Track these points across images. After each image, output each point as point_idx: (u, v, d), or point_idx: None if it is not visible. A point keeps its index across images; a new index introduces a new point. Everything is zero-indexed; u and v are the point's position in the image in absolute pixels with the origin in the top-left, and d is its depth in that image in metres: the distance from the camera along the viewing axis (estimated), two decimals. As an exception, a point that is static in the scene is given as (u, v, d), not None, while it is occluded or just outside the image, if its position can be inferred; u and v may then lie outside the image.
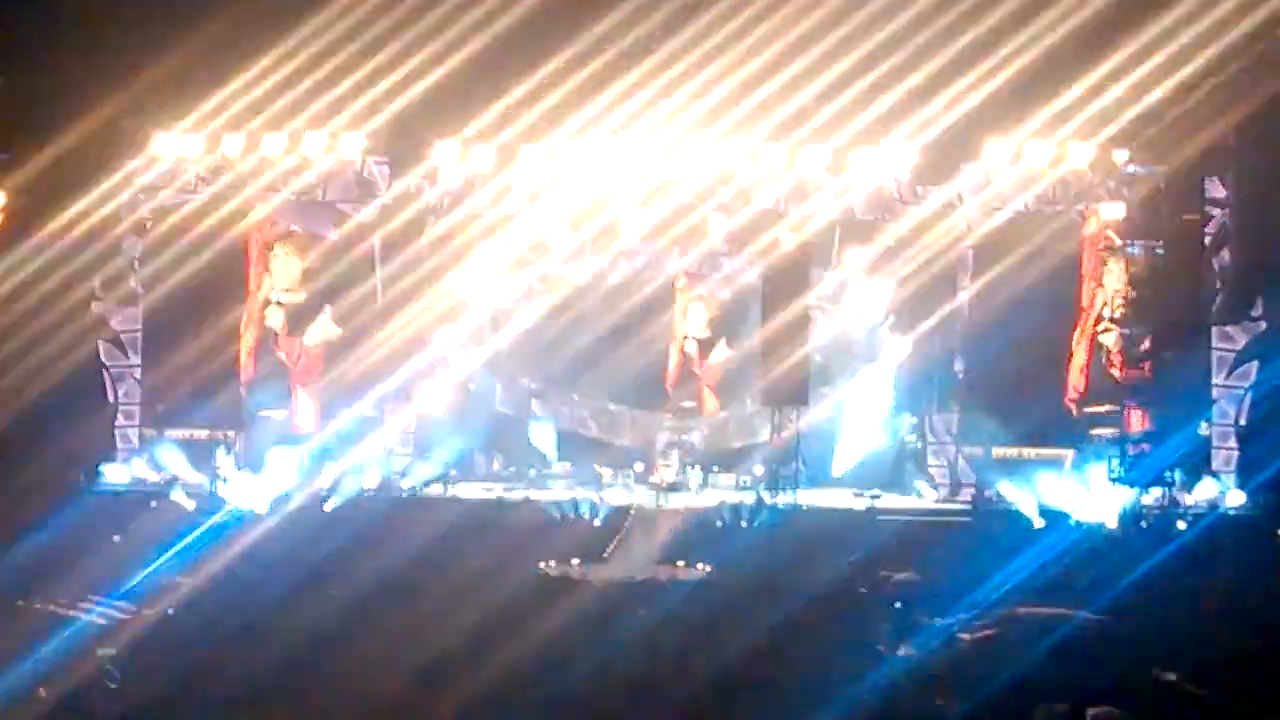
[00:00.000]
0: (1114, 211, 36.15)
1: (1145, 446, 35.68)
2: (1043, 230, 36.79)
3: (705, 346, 41.21)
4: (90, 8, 36.24)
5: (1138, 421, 36.22)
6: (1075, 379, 37.62)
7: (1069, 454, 37.17)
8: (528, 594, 30.25)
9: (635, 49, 35.08)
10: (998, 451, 38.36)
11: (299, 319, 39.50)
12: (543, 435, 41.88)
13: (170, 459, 38.26)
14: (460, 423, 40.92)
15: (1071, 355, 37.62)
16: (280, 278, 39.32)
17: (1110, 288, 37.23)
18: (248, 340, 38.76)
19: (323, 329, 39.35)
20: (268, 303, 39.38)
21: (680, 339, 41.15)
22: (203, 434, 38.08)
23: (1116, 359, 37.10)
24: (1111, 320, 37.05)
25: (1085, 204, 36.44)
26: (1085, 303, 37.57)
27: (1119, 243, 36.65)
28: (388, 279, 38.39)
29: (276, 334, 39.48)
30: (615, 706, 24.11)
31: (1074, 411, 37.49)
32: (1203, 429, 36.46)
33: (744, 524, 36.26)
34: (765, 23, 35.46)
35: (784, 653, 25.69)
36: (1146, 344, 35.84)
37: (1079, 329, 37.64)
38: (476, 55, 35.27)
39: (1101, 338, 37.43)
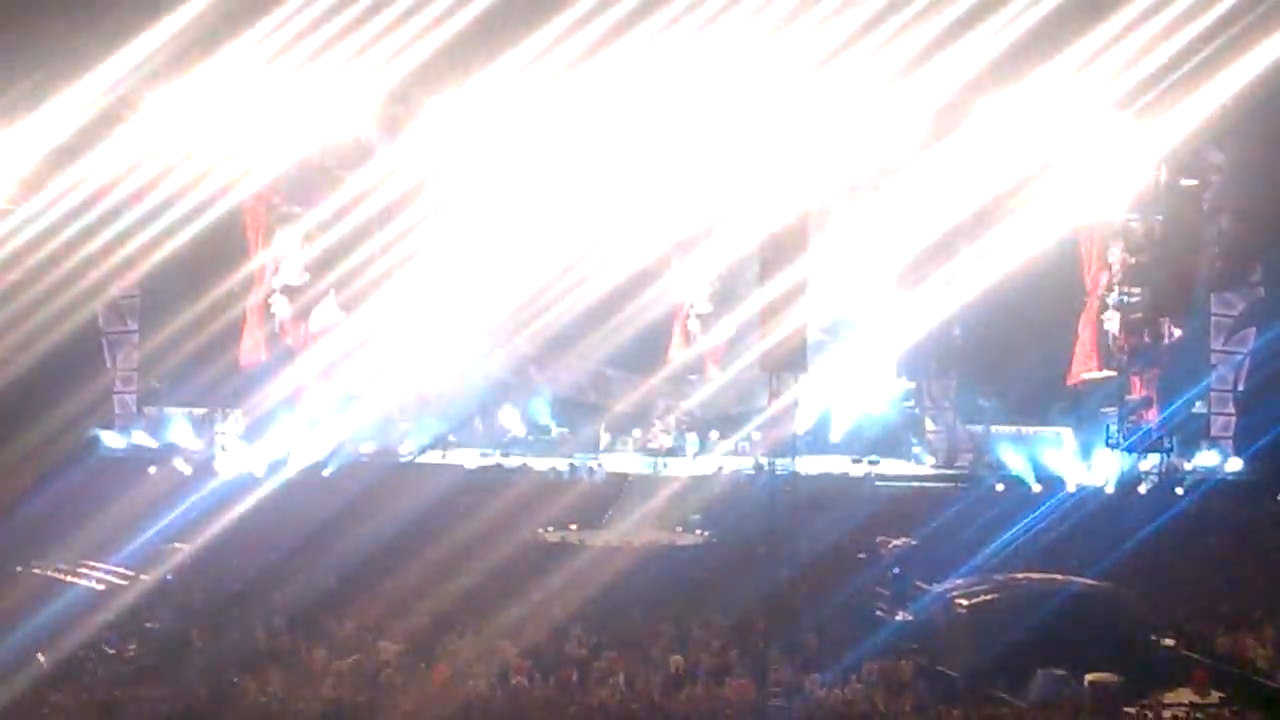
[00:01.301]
0: (1110, 177, 35.88)
1: (1144, 412, 35.68)
2: (1042, 196, 36.60)
3: (708, 321, 41.42)
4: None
5: (1136, 387, 36.19)
6: (1080, 361, 37.46)
7: (1068, 420, 37.16)
8: (526, 558, 30.27)
9: (635, 5, 34.87)
10: (996, 424, 38.47)
11: (306, 305, 39.59)
12: (540, 401, 41.93)
13: (168, 426, 38.27)
14: (459, 388, 40.94)
15: (1077, 337, 37.40)
16: (286, 266, 39.46)
17: (1114, 268, 37.10)
18: (254, 329, 38.62)
19: (328, 313, 39.37)
20: (273, 291, 39.48)
21: (683, 314, 41.36)
22: (201, 403, 38.06)
23: (1119, 338, 36.97)
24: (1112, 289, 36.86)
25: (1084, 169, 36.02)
26: (1089, 285, 37.38)
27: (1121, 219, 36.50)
28: (387, 244, 38.33)
29: (284, 322, 39.57)
30: (612, 669, 24.16)
31: (1080, 387, 37.37)
32: (1198, 408, 36.45)
33: (742, 489, 36.30)
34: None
35: (783, 618, 25.72)
36: (1145, 310, 35.75)
37: (1083, 315, 37.46)
38: (476, 18, 35.12)
39: (1106, 325, 37.29)
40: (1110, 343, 37.27)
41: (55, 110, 35.59)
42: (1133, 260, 35.81)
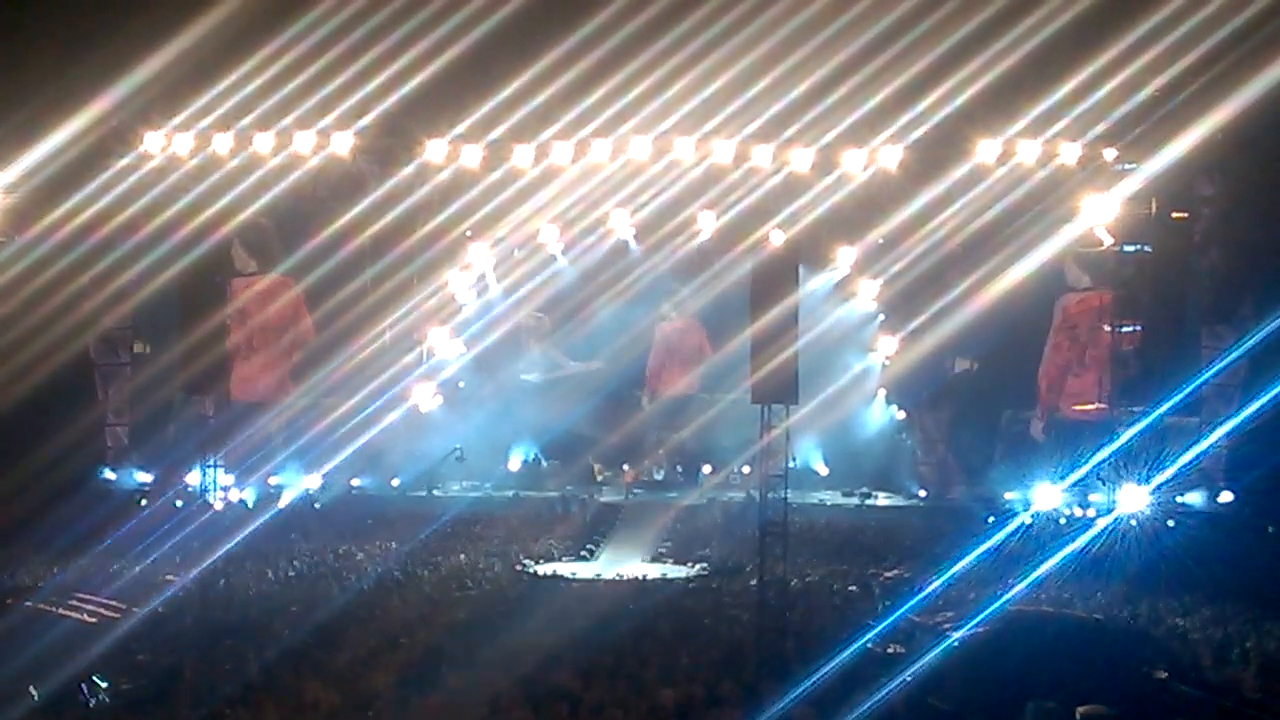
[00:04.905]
0: (1101, 209, 35.94)
1: (1135, 445, 35.65)
2: (1032, 228, 36.76)
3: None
4: (80, 5, 36.20)
5: (1127, 420, 36.15)
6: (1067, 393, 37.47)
7: (1061, 452, 37.15)
8: (517, 590, 30.29)
9: (624, 47, 34.99)
10: (988, 456, 38.54)
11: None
12: (531, 433, 42.05)
13: (161, 458, 38.20)
14: (450, 420, 41.04)
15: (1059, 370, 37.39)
16: None
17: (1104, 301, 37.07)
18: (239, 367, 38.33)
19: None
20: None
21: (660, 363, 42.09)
22: (194, 435, 37.99)
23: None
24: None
25: (1073, 201, 36.10)
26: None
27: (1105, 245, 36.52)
28: (378, 277, 38.43)
29: None
30: (603, 702, 24.12)
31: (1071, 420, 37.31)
32: (1189, 440, 36.39)
33: (733, 521, 36.35)
34: (754, 21, 35.43)
35: (773, 650, 25.73)
36: (1135, 343, 35.73)
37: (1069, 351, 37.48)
38: (466, 53, 35.21)
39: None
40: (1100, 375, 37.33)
41: (48, 144, 35.59)
42: (1123, 293, 35.80)
